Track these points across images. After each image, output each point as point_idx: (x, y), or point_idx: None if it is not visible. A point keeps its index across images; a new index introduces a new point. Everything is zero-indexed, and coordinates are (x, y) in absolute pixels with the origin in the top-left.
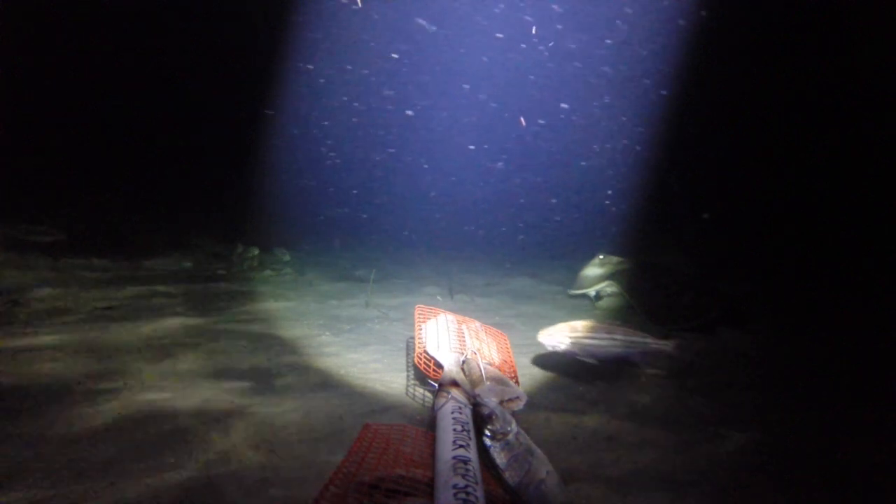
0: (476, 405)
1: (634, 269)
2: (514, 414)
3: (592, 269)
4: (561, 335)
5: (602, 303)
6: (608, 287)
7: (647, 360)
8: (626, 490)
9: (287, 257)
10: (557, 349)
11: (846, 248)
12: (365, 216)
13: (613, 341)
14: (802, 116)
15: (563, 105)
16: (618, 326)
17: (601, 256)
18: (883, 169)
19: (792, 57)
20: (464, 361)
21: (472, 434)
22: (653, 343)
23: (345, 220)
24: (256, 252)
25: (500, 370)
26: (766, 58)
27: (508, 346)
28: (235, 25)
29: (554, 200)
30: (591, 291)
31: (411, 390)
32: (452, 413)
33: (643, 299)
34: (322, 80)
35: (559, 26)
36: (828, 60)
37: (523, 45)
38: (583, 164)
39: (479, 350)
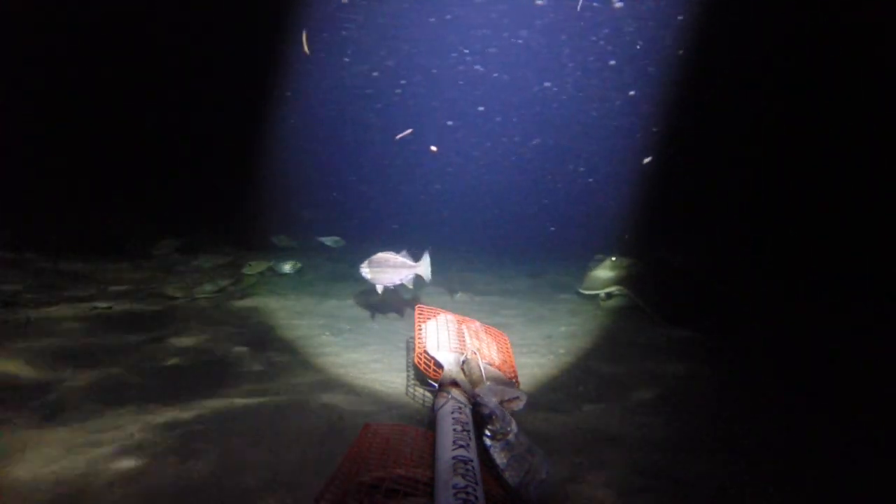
0: (476, 405)
1: (644, 273)
2: (513, 414)
3: (604, 272)
4: (369, 267)
5: (608, 303)
6: (618, 291)
7: (408, 282)
8: (625, 492)
9: (293, 266)
10: (367, 278)
11: (849, 249)
12: (365, 216)
13: (391, 268)
14: (803, 117)
15: (573, 81)
16: (400, 258)
17: (613, 259)
18: (884, 169)
19: (792, 57)
20: (464, 361)
21: (472, 434)
22: (409, 269)
23: (344, 219)
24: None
25: (500, 370)
26: (768, 57)
27: (508, 346)
28: (239, 26)
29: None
30: (602, 293)
31: (411, 390)
32: (452, 413)
33: (653, 302)
34: (324, 80)
35: (580, 24)
36: (829, 62)
37: (540, 50)
38: (583, 170)
39: (479, 350)
